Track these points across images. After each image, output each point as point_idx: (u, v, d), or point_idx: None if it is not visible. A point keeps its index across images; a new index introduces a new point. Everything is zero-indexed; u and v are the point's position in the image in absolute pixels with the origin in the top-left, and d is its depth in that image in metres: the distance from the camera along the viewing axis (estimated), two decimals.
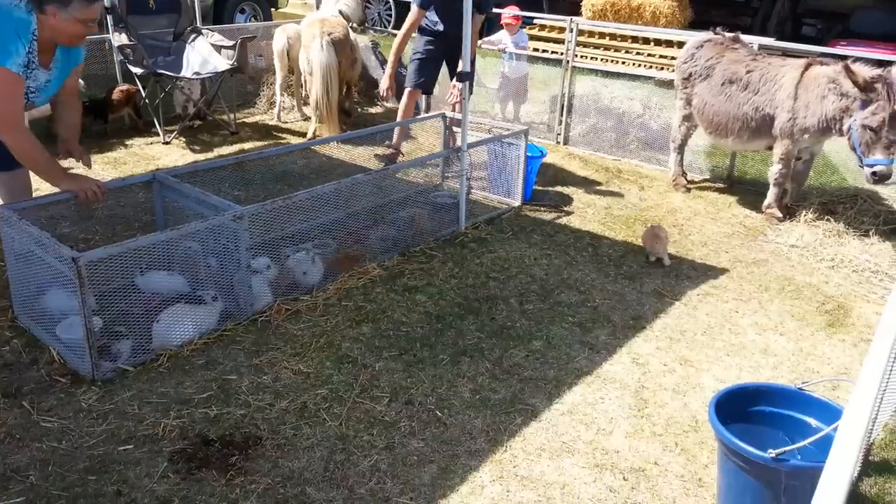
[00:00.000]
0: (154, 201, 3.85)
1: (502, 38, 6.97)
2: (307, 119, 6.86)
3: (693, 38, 5.50)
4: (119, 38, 6.06)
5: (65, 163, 3.64)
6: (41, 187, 3.77)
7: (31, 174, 3.43)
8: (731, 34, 5.24)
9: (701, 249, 4.48)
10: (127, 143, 5.91)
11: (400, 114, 5.41)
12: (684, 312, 3.72)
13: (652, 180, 5.67)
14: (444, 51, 5.24)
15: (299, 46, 6.60)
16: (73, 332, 2.99)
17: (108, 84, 6.16)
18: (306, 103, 7.05)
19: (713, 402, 2.34)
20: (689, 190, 5.46)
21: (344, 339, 3.33)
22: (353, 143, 5.75)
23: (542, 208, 5.00)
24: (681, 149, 5.50)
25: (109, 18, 6.16)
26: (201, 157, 5.72)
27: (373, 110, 7.46)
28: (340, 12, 6.52)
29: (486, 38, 7.04)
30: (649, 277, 4.07)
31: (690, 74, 5.24)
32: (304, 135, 6.46)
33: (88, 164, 3.60)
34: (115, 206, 4.54)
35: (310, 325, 3.42)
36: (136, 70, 5.98)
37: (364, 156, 5.72)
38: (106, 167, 5.33)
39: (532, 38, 9.33)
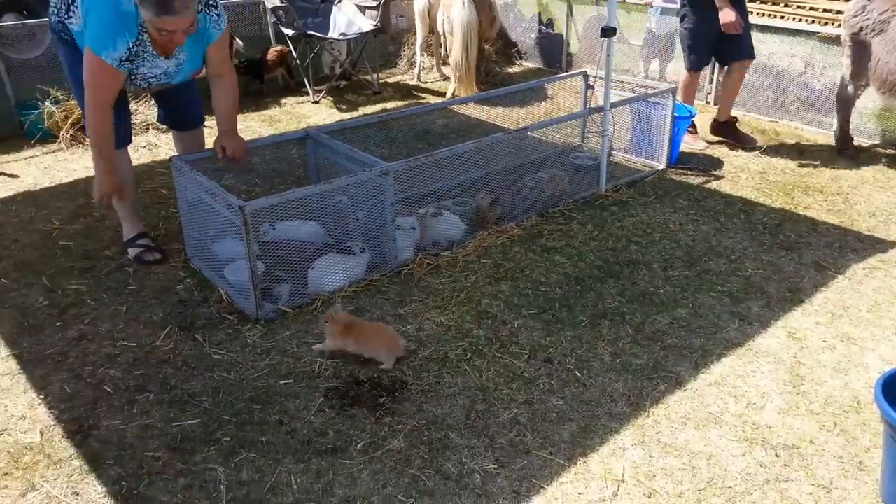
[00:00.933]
0: (307, 156, 4.06)
1: None
2: (446, 79, 6.93)
3: None
4: (272, 1, 6.35)
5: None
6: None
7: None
8: None
9: (868, 221, 4.13)
10: (280, 101, 6.23)
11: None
12: (848, 287, 3.46)
13: (814, 144, 5.26)
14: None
15: (439, 6, 6.64)
16: (239, 275, 3.25)
17: (263, 45, 6.50)
18: (445, 63, 7.12)
19: (879, 382, 2.18)
20: (856, 155, 5.02)
21: (483, 295, 3.39)
22: (490, 104, 5.75)
23: (688, 172, 4.79)
24: (847, 110, 5.05)
25: None
26: (347, 115, 5.94)
27: (511, 69, 7.39)
28: None
29: None
30: (809, 248, 3.81)
31: (861, 29, 4.76)
32: (443, 94, 6.54)
33: (240, 158, 3.51)
34: (272, 161, 4.83)
35: (450, 280, 3.51)
36: (288, 31, 6.26)
37: (501, 115, 5.71)
38: (262, 124, 5.66)
39: None
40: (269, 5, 6.41)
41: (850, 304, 3.32)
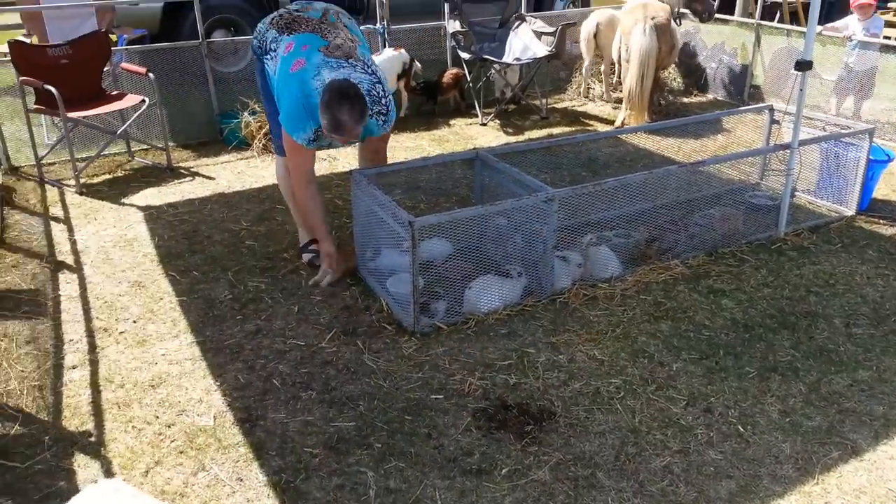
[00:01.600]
0: (475, 177, 4.15)
1: (849, 23, 6.16)
2: (615, 104, 6.82)
3: None
4: (453, 25, 6.59)
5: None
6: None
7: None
8: None
9: None
10: (450, 122, 6.44)
11: None
12: None
13: None
14: None
15: (609, 32, 6.56)
16: (401, 287, 3.38)
17: (440, 68, 6.76)
18: (614, 89, 7.01)
19: None
20: None
21: (640, 332, 3.28)
22: (661, 134, 5.57)
23: (881, 220, 4.35)
24: None
25: (446, 6, 6.73)
26: (513, 139, 6.02)
27: (687, 100, 7.13)
28: None
29: (829, 24, 6.29)
30: None
31: None
32: (611, 122, 6.43)
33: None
34: (437, 180, 5.00)
35: (606, 313, 3.43)
36: (465, 55, 6.46)
37: (672, 147, 5.52)
38: (432, 143, 5.87)
39: (889, 24, 8.10)
40: (449, 30, 6.66)
41: None
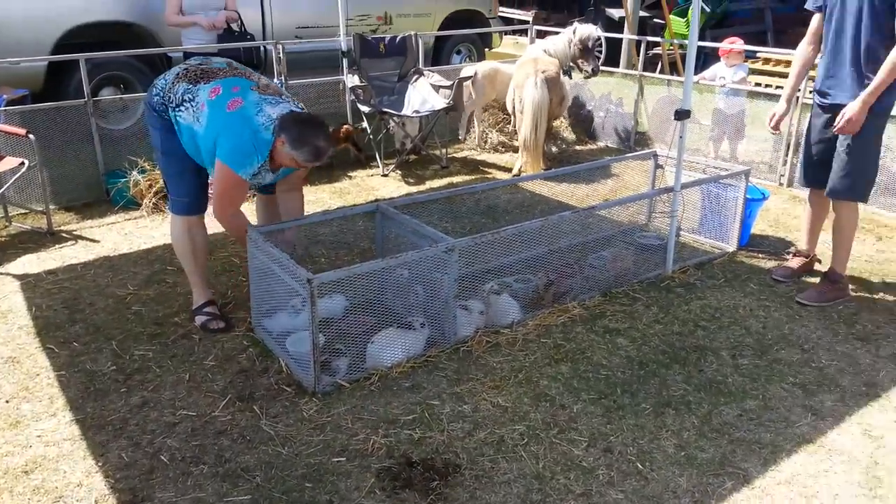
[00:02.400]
0: (376, 229, 4.14)
1: (717, 70, 6.65)
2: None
3: None
4: (352, 80, 6.65)
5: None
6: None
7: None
8: None
9: None
10: (351, 174, 6.43)
11: None
12: None
13: (892, 230, 5.03)
14: None
15: (486, 82, 6.85)
16: (301, 346, 3.29)
17: (339, 121, 6.77)
18: (510, 139, 7.24)
19: None
20: None
21: (542, 376, 3.31)
22: (556, 180, 5.77)
23: (760, 255, 4.64)
24: None
25: (345, 61, 6.80)
26: (414, 189, 6.07)
27: (579, 147, 7.44)
28: (546, 51, 6.62)
29: (700, 74, 6.76)
30: (886, 340, 3.60)
31: None
32: (508, 169, 6.61)
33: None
34: (338, 232, 4.96)
35: (509, 358, 3.46)
36: (365, 108, 6.52)
37: (566, 192, 5.72)
38: (332, 196, 5.84)
39: (755, 72, 8.80)
40: (349, 84, 6.71)
41: None
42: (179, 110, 3.45)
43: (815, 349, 3.53)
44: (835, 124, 3.76)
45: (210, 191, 3.71)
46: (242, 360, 3.44)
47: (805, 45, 4.04)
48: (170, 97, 3.48)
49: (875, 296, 4.06)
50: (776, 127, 4.17)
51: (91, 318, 3.84)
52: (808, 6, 3.95)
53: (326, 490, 2.59)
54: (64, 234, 4.99)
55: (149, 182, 5.40)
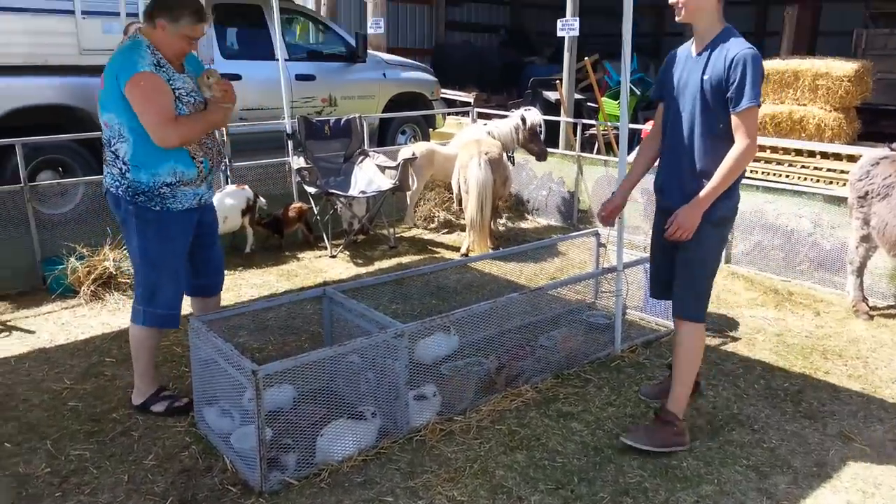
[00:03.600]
0: (324, 314, 4.08)
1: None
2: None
3: (867, 154, 5.19)
4: (297, 162, 6.69)
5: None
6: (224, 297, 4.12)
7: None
8: None
9: (891, 387, 4.02)
10: (299, 256, 6.38)
11: None
12: (877, 461, 3.30)
13: (828, 305, 5.24)
14: None
15: (423, 162, 7.02)
16: (246, 442, 3.16)
17: (286, 202, 6.76)
18: (457, 217, 7.35)
19: None
20: (871, 317, 4.98)
21: (498, 465, 3.26)
22: (504, 259, 5.85)
23: (706, 333, 4.73)
24: (860, 272, 5.08)
25: (290, 143, 6.85)
26: (363, 270, 6.05)
27: (523, 225, 7.59)
28: (490, 133, 6.83)
29: (631, 153, 7.02)
30: (833, 418, 3.69)
31: (867, 193, 4.91)
32: (457, 248, 6.68)
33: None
34: (287, 317, 4.86)
35: (464, 447, 3.39)
36: (311, 189, 6.53)
37: (515, 271, 5.79)
38: (280, 279, 5.76)
39: None
40: (294, 166, 6.74)
41: (882, 482, 3.15)
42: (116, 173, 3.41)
43: (764, 429, 3.58)
44: (665, 226, 3.28)
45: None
46: (185, 459, 3.27)
47: (648, 139, 3.61)
48: (114, 171, 3.42)
49: (817, 373, 4.18)
50: (608, 218, 3.67)
51: (25, 415, 3.62)
52: (651, 95, 4.01)
53: None
54: None
55: (87, 269, 5.22)
